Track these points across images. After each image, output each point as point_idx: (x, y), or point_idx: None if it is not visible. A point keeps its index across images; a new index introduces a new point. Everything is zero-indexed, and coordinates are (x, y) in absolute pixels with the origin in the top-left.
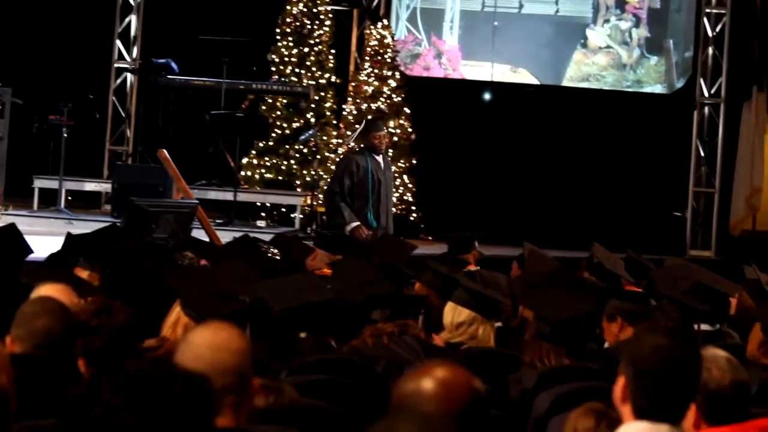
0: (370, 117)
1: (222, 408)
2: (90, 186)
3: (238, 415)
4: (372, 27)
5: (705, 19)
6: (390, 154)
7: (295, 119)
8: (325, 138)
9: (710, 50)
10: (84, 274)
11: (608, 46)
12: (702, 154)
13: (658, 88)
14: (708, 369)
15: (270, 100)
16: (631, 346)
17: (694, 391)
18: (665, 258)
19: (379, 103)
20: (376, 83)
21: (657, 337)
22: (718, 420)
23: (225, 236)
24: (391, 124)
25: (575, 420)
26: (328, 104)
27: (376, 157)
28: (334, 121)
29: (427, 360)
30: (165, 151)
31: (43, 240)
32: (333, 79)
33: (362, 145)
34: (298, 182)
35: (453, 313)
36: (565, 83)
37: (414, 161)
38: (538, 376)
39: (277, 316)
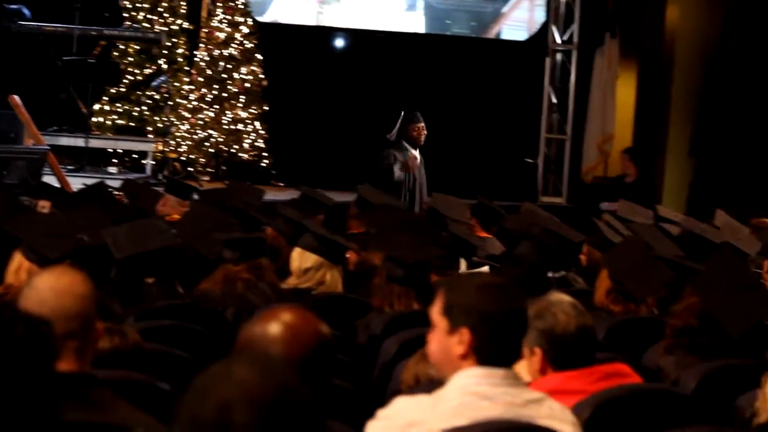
0: (405, 112)
1: (65, 352)
2: None
3: (82, 360)
4: None
5: None
6: (242, 100)
7: (147, 65)
8: (176, 84)
9: None
10: None
11: None
12: (554, 100)
13: (515, 35)
14: (553, 314)
15: (122, 46)
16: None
17: (523, 334)
18: (521, 204)
19: (231, 49)
20: (228, 29)
21: (485, 285)
22: (563, 364)
23: (76, 182)
24: (243, 70)
25: (414, 365)
26: (180, 50)
27: (413, 151)
28: (186, 68)
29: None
30: (16, 97)
31: None
32: (185, 25)
33: (400, 139)
34: (149, 128)
35: (300, 258)
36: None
37: (266, 108)
38: (386, 321)
39: (121, 261)
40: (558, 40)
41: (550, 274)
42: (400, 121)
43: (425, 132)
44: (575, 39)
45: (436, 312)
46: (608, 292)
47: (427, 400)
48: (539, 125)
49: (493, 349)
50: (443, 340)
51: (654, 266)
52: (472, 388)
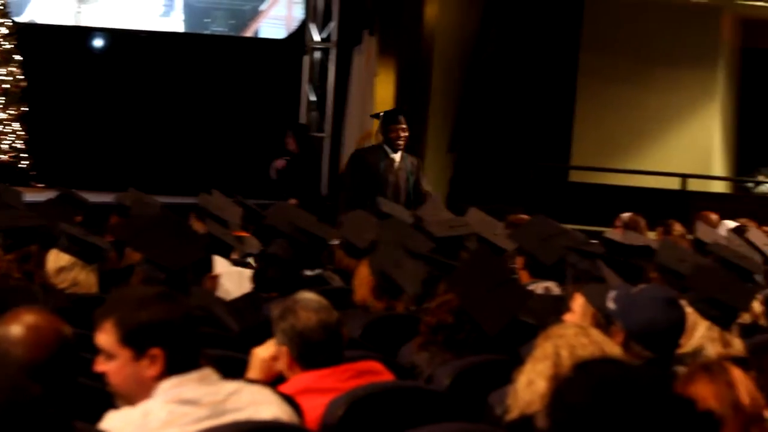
0: (385, 111)
1: None
2: None
3: None
4: None
5: None
6: (1, 101)
7: None
8: None
9: None
10: None
11: None
12: (313, 98)
13: (274, 33)
14: (295, 312)
15: None
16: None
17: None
18: (275, 203)
19: None
20: None
21: None
22: (310, 363)
23: None
24: (2, 71)
25: None
26: None
27: (392, 155)
28: None
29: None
30: None
31: None
32: None
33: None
34: None
35: (55, 258)
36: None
37: (25, 108)
38: None
39: None
40: (316, 38)
41: (307, 273)
42: (380, 121)
43: (405, 134)
44: (333, 37)
45: (110, 344)
46: (372, 289)
47: (136, 414)
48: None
49: (184, 356)
50: (129, 368)
51: (413, 263)
52: (175, 397)
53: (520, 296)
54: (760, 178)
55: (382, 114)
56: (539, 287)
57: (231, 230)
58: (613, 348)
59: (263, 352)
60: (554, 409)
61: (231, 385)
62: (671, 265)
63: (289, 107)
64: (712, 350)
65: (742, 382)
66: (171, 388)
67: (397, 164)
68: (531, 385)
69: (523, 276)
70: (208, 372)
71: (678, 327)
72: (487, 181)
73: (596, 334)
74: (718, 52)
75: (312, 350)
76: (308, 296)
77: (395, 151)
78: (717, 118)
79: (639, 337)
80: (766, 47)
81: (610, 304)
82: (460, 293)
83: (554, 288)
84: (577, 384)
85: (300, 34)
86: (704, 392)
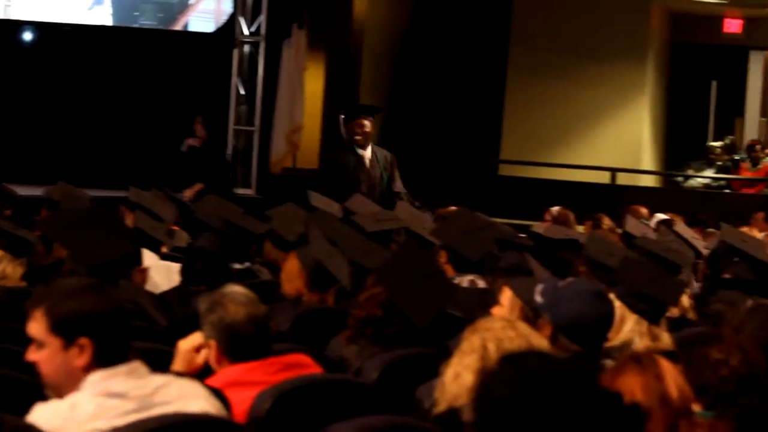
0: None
1: None
2: None
3: None
4: None
5: None
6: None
7: None
8: None
9: None
10: None
11: None
12: (242, 92)
13: (203, 26)
14: (223, 305)
15: None
16: None
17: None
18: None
19: None
20: None
21: None
22: (238, 356)
23: None
24: None
25: None
26: None
27: (360, 152)
28: None
29: None
30: None
31: None
32: None
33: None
34: None
35: None
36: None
37: None
38: None
39: None
40: (245, 31)
41: (235, 266)
42: (341, 118)
43: (367, 129)
44: (263, 30)
45: (40, 332)
46: (304, 281)
47: (64, 406)
48: (228, 117)
49: (112, 349)
50: (59, 357)
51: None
52: (103, 390)
53: (447, 289)
54: (689, 171)
55: (342, 111)
56: (464, 280)
57: (166, 225)
58: (540, 341)
59: (186, 344)
60: (480, 402)
61: (159, 379)
62: (600, 258)
63: (219, 101)
64: (641, 344)
65: (672, 375)
66: (99, 381)
67: (368, 161)
68: (458, 378)
69: (448, 270)
70: (136, 365)
71: (606, 320)
72: (416, 174)
73: (523, 328)
74: (648, 46)
75: (240, 343)
76: (236, 289)
77: (361, 147)
78: (646, 112)
79: (567, 330)
80: (695, 41)
81: (538, 298)
82: (388, 286)
83: (479, 281)
84: (503, 377)
85: (229, 27)
86: (633, 384)
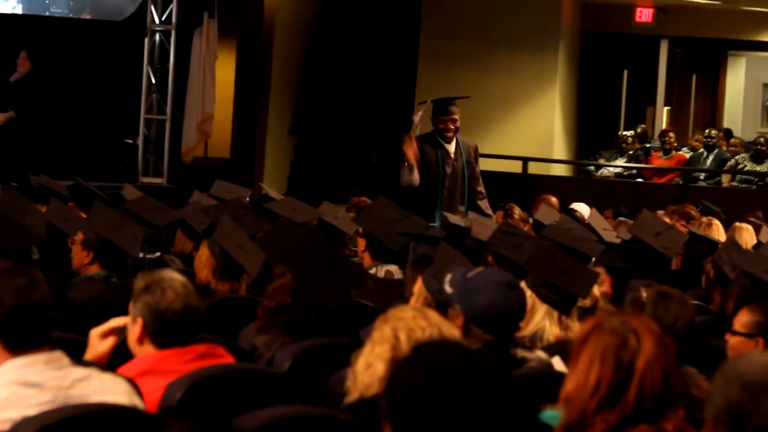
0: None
1: None
2: None
3: None
4: None
5: None
6: None
7: None
8: None
9: None
10: None
11: None
12: (153, 81)
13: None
14: (162, 290)
15: None
16: None
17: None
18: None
19: None
20: None
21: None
22: (163, 342)
23: None
24: None
25: None
26: None
27: (446, 146)
28: None
29: None
30: None
31: None
32: None
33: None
34: None
35: None
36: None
37: None
38: None
39: None
40: (156, 20)
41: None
42: (429, 108)
43: (459, 123)
44: (174, 19)
45: None
46: (213, 271)
47: None
48: (139, 105)
49: (24, 337)
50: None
51: (253, 244)
52: (18, 379)
53: (355, 273)
54: (601, 161)
55: (431, 102)
56: (381, 270)
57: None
58: (451, 331)
59: (95, 332)
60: (391, 391)
61: (80, 372)
62: (506, 253)
63: (131, 89)
64: (551, 333)
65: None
66: (17, 368)
67: (452, 154)
68: (369, 368)
69: (366, 258)
70: (58, 355)
71: (517, 310)
72: (328, 164)
73: (435, 317)
74: (559, 36)
75: (168, 331)
76: (175, 276)
77: (449, 141)
78: (558, 102)
79: (479, 320)
80: (606, 30)
81: (447, 288)
82: (295, 273)
83: (396, 271)
84: (413, 366)
85: (140, 15)
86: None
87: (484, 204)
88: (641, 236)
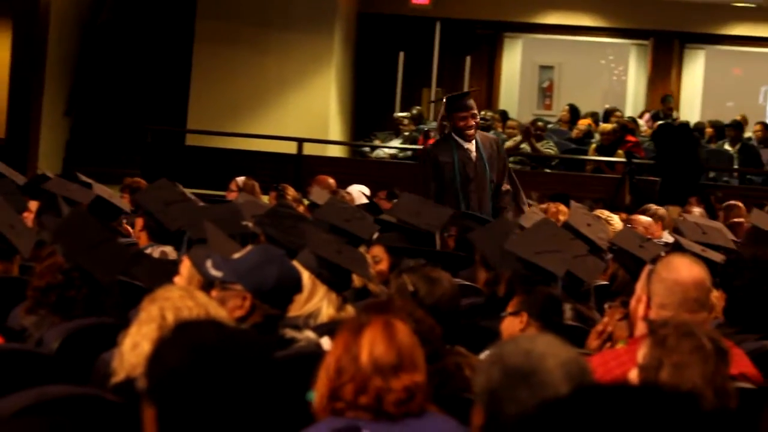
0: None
1: None
2: None
3: None
4: None
5: None
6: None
7: None
8: None
9: None
10: None
11: None
12: None
13: None
14: None
15: None
16: None
17: None
18: None
19: None
20: None
21: None
22: None
23: None
24: None
25: None
26: None
27: (465, 145)
28: None
29: None
30: None
31: None
32: None
33: (446, 132)
34: None
35: None
36: None
37: None
38: None
39: None
40: None
41: None
42: (441, 108)
43: (478, 119)
44: None
45: None
46: None
47: None
48: None
49: None
50: None
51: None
52: None
53: (124, 251)
54: (376, 142)
55: (444, 99)
56: (156, 251)
57: None
58: (218, 310)
59: None
60: (151, 370)
61: None
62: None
63: None
64: (326, 314)
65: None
66: None
67: (473, 154)
68: (136, 348)
69: (142, 238)
70: None
71: (299, 282)
72: (104, 144)
73: (202, 297)
74: (335, 17)
75: None
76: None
77: (469, 140)
78: (333, 83)
79: (268, 294)
80: (382, 12)
81: (215, 272)
82: (66, 251)
83: (171, 253)
84: (174, 345)
85: None
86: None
87: (506, 201)
88: (401, 217)
